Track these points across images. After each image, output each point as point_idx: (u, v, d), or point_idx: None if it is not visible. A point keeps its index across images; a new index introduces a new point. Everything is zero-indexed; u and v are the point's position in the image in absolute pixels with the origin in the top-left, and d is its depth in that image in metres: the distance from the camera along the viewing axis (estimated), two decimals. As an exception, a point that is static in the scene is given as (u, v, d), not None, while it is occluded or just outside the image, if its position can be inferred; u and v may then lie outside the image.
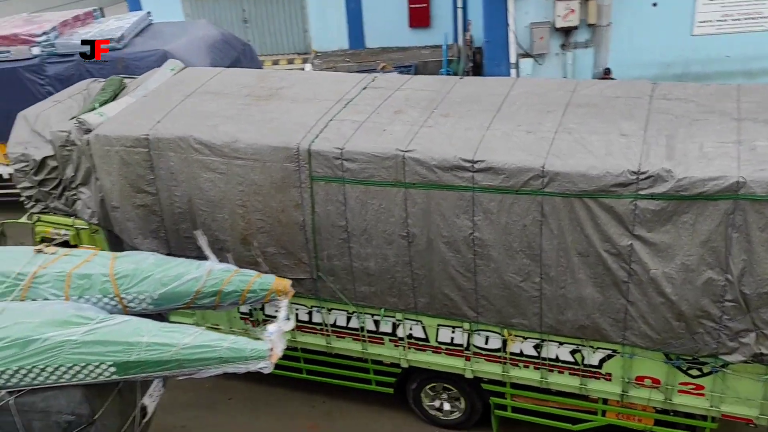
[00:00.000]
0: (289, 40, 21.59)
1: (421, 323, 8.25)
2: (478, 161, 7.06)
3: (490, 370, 8.26)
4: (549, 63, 15.27)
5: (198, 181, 8.15)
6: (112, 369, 6.20)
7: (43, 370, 6.14)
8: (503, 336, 7.91)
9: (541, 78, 12.02)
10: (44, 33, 14.28)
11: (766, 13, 14.73)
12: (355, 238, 7.84)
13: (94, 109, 8.94)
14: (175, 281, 6.93)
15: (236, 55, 15.44)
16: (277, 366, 6.66)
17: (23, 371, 6.14)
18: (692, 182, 6.40)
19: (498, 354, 8.09)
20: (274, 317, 8.84)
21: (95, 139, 8.39)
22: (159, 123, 8.34)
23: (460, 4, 19.12)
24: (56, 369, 6.15)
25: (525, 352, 7.98)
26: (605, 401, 8.05)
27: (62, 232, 9.60)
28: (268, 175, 7.85)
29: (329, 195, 7.72)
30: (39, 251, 7.24)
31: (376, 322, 8.45)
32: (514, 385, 8.34)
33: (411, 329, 8.34)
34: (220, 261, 7.38)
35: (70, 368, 6.16)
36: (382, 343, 8.62)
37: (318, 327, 8.81)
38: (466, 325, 8.01)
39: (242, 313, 9.15)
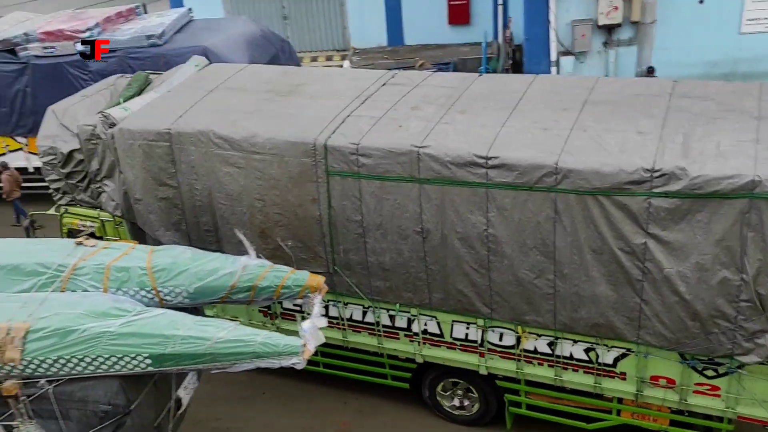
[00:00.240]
0: (328, 36, 21.65)
1: (436, 319, 8.28)
2: (491, 158, 7.08)
3: (505, 367, 8.27)
4: (590, 61, 15.09)
5: (218, 175, 8.29)
6: (148, 361, 6.28)
7: (81, 360, 6.26)
8: (517, 333, 7.91)
9: (561, 76, 11.93)
10: (88, 29, 14.62)
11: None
12: (370, 233, 7.90)
13: (119, 104, 9.14)
14: (211, 276, 6.98)
15: (275, 51, 15.57)
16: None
17: (62, 361, 6.27)
18: (707, 180, 6.34)
19: (512, 351, 8.10)
20: (293, 311, 9.09)
21: (119, 133, 8.58)
22: (181, 118, 8.50)
23: (500, 0, 18.85)
24: (94, 359, 6.26)
25: (539, 350, 7.97)
26: (620, 400, 8.00)
27: (88, 223, 9.84)
28: (286, 170, 7.95)
29: (345, 190, 7.80)
30: (79, 243, 7.37)
31: (392, 317, 8.51)
32: (529, 383, 8.34)
33: (426, 325, 8.38)
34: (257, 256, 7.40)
35: (107, 359, 6.27)
36: (398, 338, 8.67)
37: (334, 321, 8.89)
38: (480, 322, 8.03)
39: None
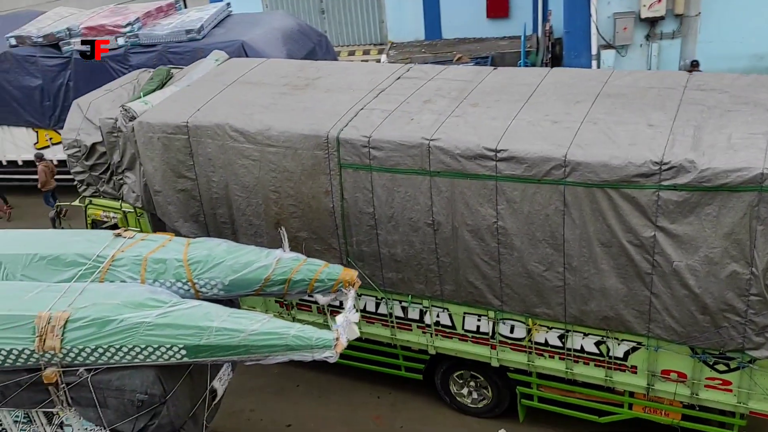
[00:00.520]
0: (365, 30, 21.61)
1: (448, 311, 8.34)
2: (501, 150, 7.11)
3: (516, 359, 8.30)
4: (632, 54, 14.78)
5: (234, 167, 8.44)
6: (183, 352, 6.36)
7: (118, 349, 6.37)
8: (528, 325, 7.93)
9: (577, 69, 11.81)
10: (129, 24, 14.87)
11: None
12: (382, 225, 7.99)
13: (140, 97, 9.34)
14: (245, 268, 7.03)
15: (312, 46, 15.65)
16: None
17: (100, 350, 6.38)
18: (715, 173, 6.30)
19: (523, 343, 8.12)
20: (308, 302, 9.21)
21: (139, 126, 8.78)
22: (198, 111, 8.67)
23: (540, -7, 18.62)
24: (131, 349, 6.37)
25: (550, 342, 7.98)
26: (631, 394, 7.98)
27: (111, 214, 10.08)
28: (299, 162, 8.07)
29: (357, 182, 7.89)
30: (118, 235, 7.53)
31: (404, 309, 8.60)
32: (540, 375, 8.36)
33: (438, 316, 8.45)
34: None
35: (143, 349, 6.37)
36: (410, 330, 8.75)
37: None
38: (492, 314, 8.07)
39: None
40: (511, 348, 8.26)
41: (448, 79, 8.79)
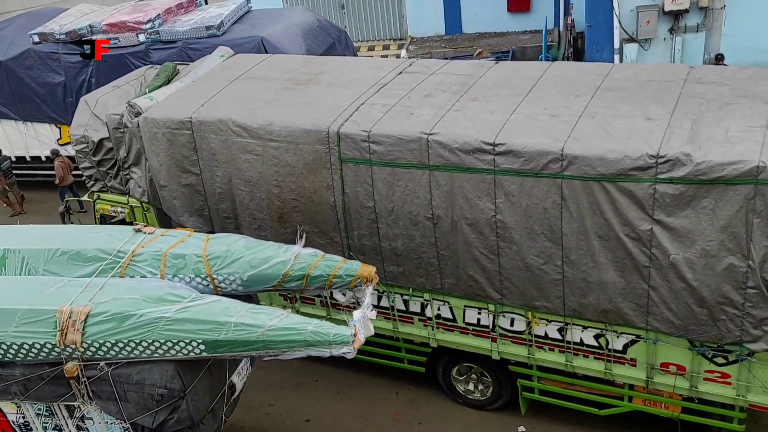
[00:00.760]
0: (385, 25, 21.61)
1: (449, 304, 8.40)
2: (498, 144, 7.15)
3: (516, 352, 8.35)
4: (656, 48, 14.62)
5: (237, 162, 8.54)
6: (202, 347, 6.38)
7: (138, 344, 6.41)
8: (527, 318, 7.98)
9: (578, 62, 11.79)
10: (149, 20, 15.00)
11: None
12: (383, 219, 8.06)
13: (145, 94, 9.46)
14: (264, 264, 7.06)
15: (331, 41, 15.67)
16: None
17: (120, 344, 6.44)
18: (711, 166, 6.31)
19: (523, 336, 8.17)
20: (311, 298, 9.30)
21: (144, 122, 8.90)
22: (202, 107, 8.77)
23: (561, -14, 18.42)
24: (150, 344, 6.40)
25: (549, 335, 8.02)
26: (631, 387, 8.01)
27: (119, 209, 10.24)
28: (301, 157, 8.15)
29: (358, 176, 7.96)
30: (138, 230, 7.61)
31: (405, 302, 8.66)
32: (541, 368, 8.40)
33: (439, 309, 8.51)
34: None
35: (163, 344, 6.39)
36: (412, 323, 8.82)
37: (353, 306, 9.07)
38: (492, 307, 8.12)
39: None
40: (511, 341, 8.30)
41: (450, 73, 8.83)
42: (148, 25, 14.93)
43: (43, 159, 16.56)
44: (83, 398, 6.74)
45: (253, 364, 7.92)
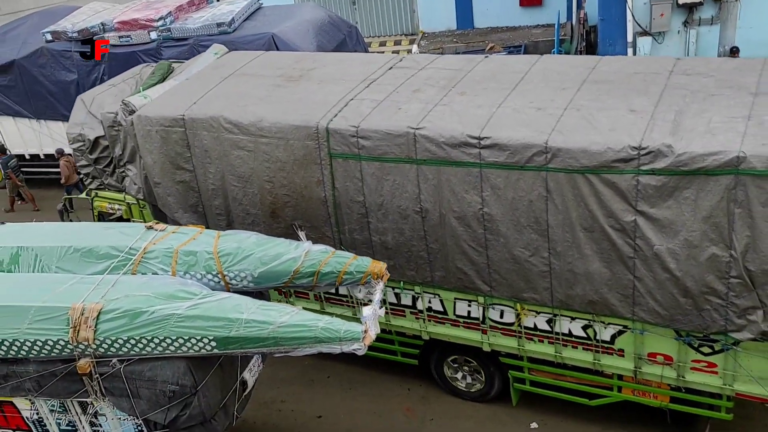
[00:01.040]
0: (396, 21, 21.51)
1: (439, 296, 8.49)
2: (484, 138, 7.21)
3: (506, 343, 8.43)
4: (669, 41, 14.44)
5: (229, 158, 8.64)
6: (213, 343, 6.40)
7: (150, 341, 6.44)
8: (516, 310, 8.05)
9: (567, 56, 11.77)
10: (161, 18, 15.04)
11: None
12: (372, 213, 8.14)
13: (140, 92, 9.58)
14: (275, 261, 7.06)
15: (342, 37, 15.66)
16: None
17: (132, 341, 6.47)
18: (692, 157, 6.36)
19: (513, 328, 8.24)
20: (306, 291, 9.37)
21: (138, 120, 9.01)
22: (195, 104, 8.88)
23: (574, -20, 18.24)
24: (162, 341, 6.43)
25: (539, 327, 8.10)
26: (620, 377, 8.08)
27: (116, 206, 10.38)
28: (291, 153, 8.24)
29: (347, 171, 8.05)
30: (150, 227, 7.65)
31: (397, 295, 8.75)
32: (531, 359, 8.48)
33: (430, 302, 8.60)
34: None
35: (174, 340, 6.42)
36: (404, 316, 8.91)
37: (344, 299, 9.19)
38: (481, 299, 8.20)
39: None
40: (501, 333, 8.38)
41: (439, 68, 8.90)
42: (160, 23, 14.96)
43: (57, 157, 16.73)
44: (96, 395, 6.80)
45: (264, 361, 7.92)
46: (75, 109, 10.37)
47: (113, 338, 6.48)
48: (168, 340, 6.43)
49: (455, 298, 8.41)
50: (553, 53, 16.28)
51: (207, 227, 8.90)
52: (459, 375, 9.28)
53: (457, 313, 8.52)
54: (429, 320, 8.75)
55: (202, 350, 6.45)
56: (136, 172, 9.55)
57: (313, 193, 8.36)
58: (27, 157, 16.84)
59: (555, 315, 7.89)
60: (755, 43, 13.75)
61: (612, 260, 7.12)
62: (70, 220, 11.11)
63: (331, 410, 9.57)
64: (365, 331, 6.33)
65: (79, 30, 15.48)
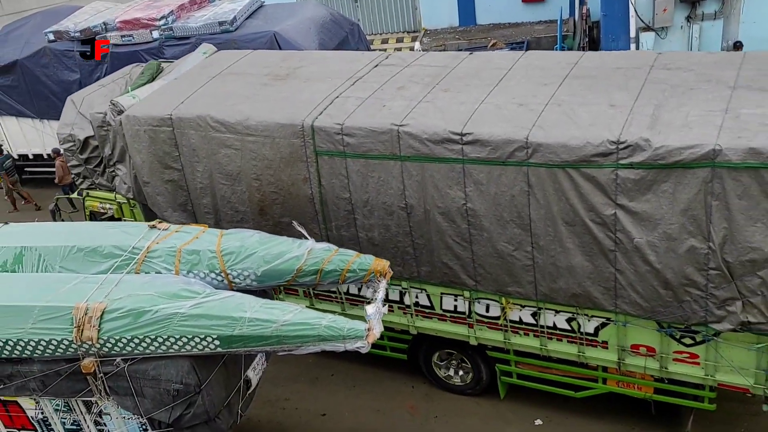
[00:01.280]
0: (398, 18, 21.46)
1: (426, 291, 8.58)
2: (466, 134, 7.30)
3: (493, 337, 8.52)
4: (672, 36, 14.36)
5: (217, 157, 8.72)
6: (217, 342, 6.41)
7: (153, 340, 6.45)
8: (502, 304, 8.14)
9: (549, 51, 11.77)
10: (163, 17, 15.08)
11: None
12: (358, 210, 8.23)
13: (128, 92, 9.66)
14: (278, 259, 7.06)
15: (344, 34, 15.69)
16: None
17: (136, 340, 6.48)
18: (669, 150, 6.44)
19: (499, 322, 8.34)
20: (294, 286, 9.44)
21: (126, 120, 9.09)
22: (182, 104, 8.95)
23: (577, -24, 18.09)
24: (166, 340, 6.44)
25: (524, 320, 8.19)
26: (605, 369, 8.18)
27: (107, 206, 10.47)
28: (278, 151, 8.32)
29: (333, 168, 8.13)
30: (153, 227, 7.60)
31: (385, 291, 8.81)
32: (517, 353, 8.58)
33: (417, 297, 8.69)
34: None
35: (178, 339, 6.43)
36: (392, 311, 8.99)
37: (333, 295, 9.28)
38: (467, 294, 8.29)
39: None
40: (487, 326, 8.47)
41: (424, 65, 8.97)
42: (162, 22, 14.99)
43: (53, 157, 16.78)
44: (100, 394, 6.82)
45: (268, 359, 7.94)
46: (65, 109, 10.46)
47: (117, 337, 6.50)
48: (172, 339, 6.45)
49: (441, 293, 8.50)
50: (556, 49, 16.31)
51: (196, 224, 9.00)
52: (447, 369, 9.37)
53: (443, 307, 8.61)
54: (416, 315, 8.84)
55: (206, 349, 6.47)
56: (126, 172, 9.63)
57: (300, 190, 8.44)
58: (30, 157, 16.88)
59: (539, 308, 7.98)
60: (758, 38, 13.70)
61: (594, 253, 7.21)
62: (62, 220, 11.19)
63: (335, 408, 9.62)
64: (368, 329, 6.33)
65: (81, 30, 15.53)
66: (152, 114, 8.97)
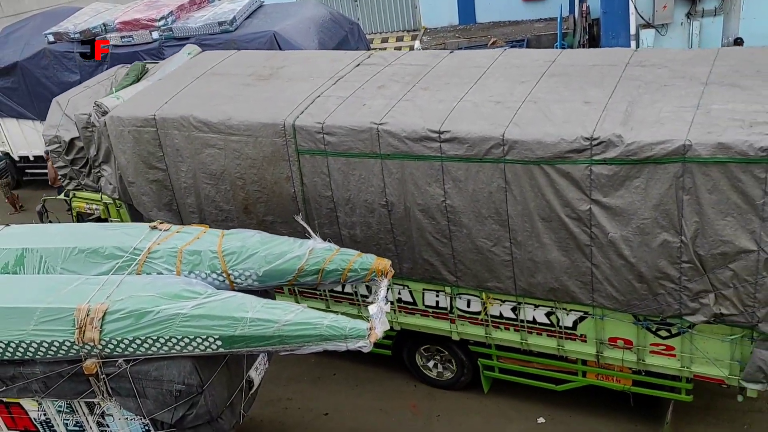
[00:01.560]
0: (398, 17, 21.45)
1: (408, 287, 8.69)
2: (444, 132, 7.40)
3: (474, 332, 8.64)
4: (672, 33, 14.36)
5: (200, 157, 8.81)
6: (219, 342, 6.40)
7: (155, 341, 6.44)
8: (482, 299, 8.25)
9: (528, 50, 11.84)
10: (163, 17, 15.04)
11: None
12: (340, 208, 8.33)
13: (112, 93, 9.74)
14: (279, 259, 7.06)
15: (344, 34, 15.67)
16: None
17: (138, 341, 6.47)
18: (641, 146, 6.56)
19: (480, 317, 8.45)
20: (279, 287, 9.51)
21: (110, 120, 9.18)
22: (166, 104, 9.04)
23: (576, -27, 18.09)
24: (167, 340, 6.43)
25: (504, 315, 8.31)
26: (584, 362, 8.30)
27: (94, 206, 10.54)
28: (260, 150, 8.41)
29: (315, 167, 8.23)
30: (154, 227, 7.56)
31: (368, 287, 8.94)
32: (499, 347, 8.70)
33: (399, 293, 8.80)
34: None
35: (180, 340, 6.42)
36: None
37: (317, 292, 9.38)
38: (448, 289, 8.41)
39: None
40: (469, 322, 8.59)
41: (405, 64, 9.08)
42: (162, 22, 14.96)
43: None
44: (103, 395, 6.84)
45: (270, 359, 7.95)
46: (51, 111, 10.53)
47: (119, 338, 6.50)
48: (173, 340, 6.45)
49: (423, 289, 8.61)
50: (556, 47, 16.34)
51: (182, 224, 9.08)
52: (431, 364, 9.48)
53: (426, 303, 8.72)
54: (399, 311, 8.95)
55: (208, 349, 6.48)
56: (111, 172, 9.72)
57: (283, 189, 8.54)
58: (31, 158, 16.90)
59: (519, 303, 8.10)
60: (759, 34, 13.67)
61: (570, 248, 7.32)
62: (50, 221, 11.25)
63: (337, 408, 9.64)
64: (370, 329, 6.35)
65: (81, 31, 15.49)
66: (136, 114, 9.05)
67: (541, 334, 8.24)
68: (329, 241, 7.37)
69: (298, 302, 9.55)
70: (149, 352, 6.53)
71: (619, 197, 6.83)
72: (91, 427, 7.32)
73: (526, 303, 8.06)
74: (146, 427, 7.06)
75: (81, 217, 10.79)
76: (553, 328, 8.11)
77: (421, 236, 8.04)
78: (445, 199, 7.67)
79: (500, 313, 8.31)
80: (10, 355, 6.82)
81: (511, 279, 7.84)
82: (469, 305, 8.45)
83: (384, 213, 8.11)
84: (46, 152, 15.70)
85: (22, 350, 6.76)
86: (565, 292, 7.62)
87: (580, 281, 7.47)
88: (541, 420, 8.97)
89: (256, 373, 7.62)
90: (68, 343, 6.61)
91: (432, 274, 8.28)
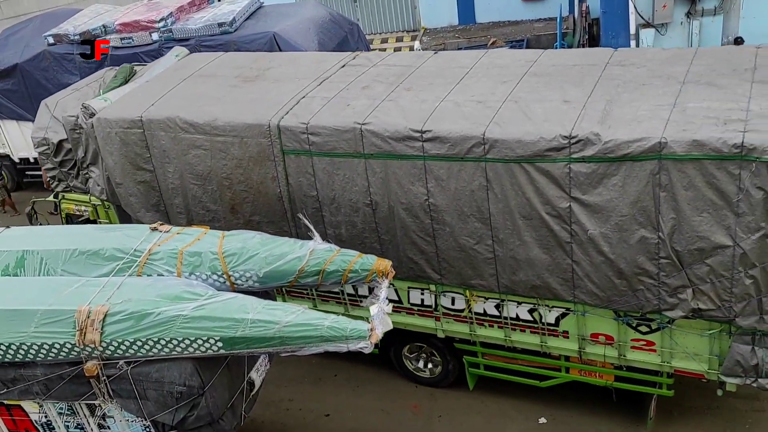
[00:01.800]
0: (397, 17, 21.46)
1: (393, 286, 8.77)
2: (426, 131, 7.50)
3: (459, 329, 8.73)
4: (672, 33, 14.35)
5: (187, 158, 8.89)
6: (220, 344, 6.42)
7: (156, 342, 6.44)
8: (466, 297, 8.35)
9: (511, 50, 11.92)
10: (162, 19, 15.07)
11: None
12: (326, 207, 8.42)
13: (100, 95, 9.82)
14: (280, 260, 7.06)
15: (344, 34, 15.71)
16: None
17: (139, 343, 6.47)
18: (617, 144, 6.67)
19: (464, 314, 8.55)
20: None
21: (97, 122, 9.25)
22: (153, 106, 9.12)
23: (576, -28, 18.07)
24: (168, 342, 6.43)
25: (488, 312, 8.41)
26: (567, 358, 8.41)
27: (82, 208, 10.61)
28: (246, 150, 8.50)
29: (300, 167, 8.32)
30: (154, 229, 7.58)
31: (354, 287, 9.03)
32: (484, 344, 8.80)
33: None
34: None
35: (180, 341, 6.42)
36: (362, 306, 9.18)
37: (304, 291, 9.47)
38: (433, 287, 8.50)
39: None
40: (454, 319, 8.69)
41: (389, 65, 9.18)
42: (161, 24, 15.00)
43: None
44: (104, 397, 6.85)
45: (271, 360, 7.97)
46: (39, 113, 10.58)
47: (120, 340, 6.51)
48: (174, 342, 6.45)
49: (408, 287, 8.71)
50: (556, 47, 16.38)
51: (170, 224, 9.16)
52: (417, 362, 9.58)
53: (411, 301, 8.82)
54: (385, 309, 9.03)
55: (209, 351, 6.49)
56: (99, 174, 9.78)
57: (268, 189, 8.63)
58: (32, 160, 16.93)
59: (502, 300, 8.20)
60: (759, 33, 13.60)
61: (551, 246, 7.43)
62: (39, 224, 11.31)
63: (338, 408, 9.65)
64: (371, 329, 6.38)
65: (80, 32, 15.51)
66: (123, 116, 9.13)
67: (524, 331, 8.34)
68: (328, 242, 7.45)
69: (285, 301, 9.63)
70: (150, 353, 6.54)
71: (598, 195, 6.94)
72: (92, 429, 7.35)
73: (509, 300, 8.16)
74: (147, 429, 7.09)
75: (70, 219, 10.86)
76: (536, 325, 8.21)
77: (405, 235, 8.13)
78: (428, 198, 7.77)
79: (484, 310, 8.41)
80: (11, 357, 6.83)
81: (494, 276, 7.94)
82: (453, 303, 8.54)
83: (368, 212, 8.20)
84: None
85: (23, 352, 6.77)
86: (546, 289, 7.72)
87: (561, 278, 7.58)
88: (542, 420, 9.02)
89: (257, 375, 7.65)
90: (69, 345, 6.62)
91: (417, 272, 8.37)
